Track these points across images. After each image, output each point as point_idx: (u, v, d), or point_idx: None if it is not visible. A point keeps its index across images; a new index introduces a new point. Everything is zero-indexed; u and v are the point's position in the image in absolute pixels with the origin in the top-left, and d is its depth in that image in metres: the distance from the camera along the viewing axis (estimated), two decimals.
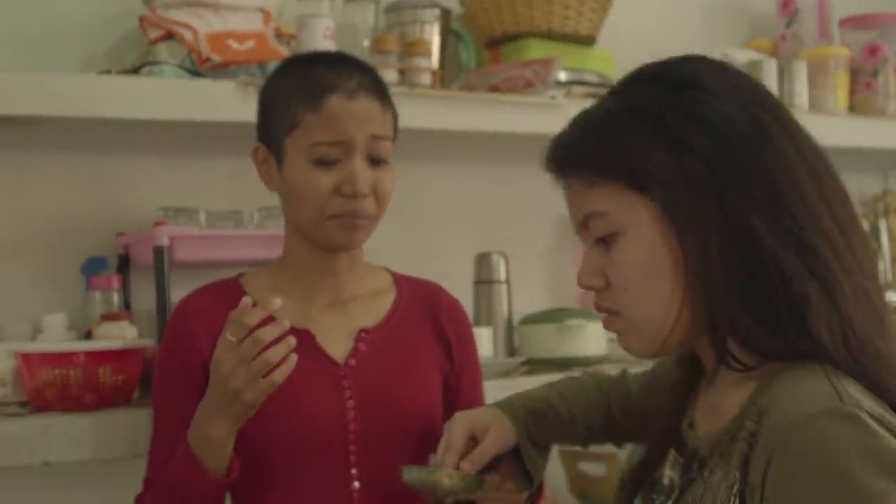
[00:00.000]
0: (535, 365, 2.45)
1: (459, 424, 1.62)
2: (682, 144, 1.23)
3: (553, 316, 2.52)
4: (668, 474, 1.34)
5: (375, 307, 1.80)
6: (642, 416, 1.63)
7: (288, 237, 1.78)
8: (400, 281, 1.86)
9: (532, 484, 1.66)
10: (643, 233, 1.25)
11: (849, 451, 1.09)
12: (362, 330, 1.77)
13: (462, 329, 1.87)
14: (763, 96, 1.29)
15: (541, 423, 1.66)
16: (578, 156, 1.31)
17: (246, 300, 1.52)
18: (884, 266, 3.33)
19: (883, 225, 3.36)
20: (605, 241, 1.29)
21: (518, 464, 1.65)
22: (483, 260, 2.57)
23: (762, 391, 1.21)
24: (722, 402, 1.28)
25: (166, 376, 1.74)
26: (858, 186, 3.44)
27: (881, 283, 1.25)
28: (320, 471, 1.68)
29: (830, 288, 1.20)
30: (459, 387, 1.83)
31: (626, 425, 1.69)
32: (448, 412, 1.77)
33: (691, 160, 1.22)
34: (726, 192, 1.21)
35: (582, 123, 1.33)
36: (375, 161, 1.69)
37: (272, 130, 1.72)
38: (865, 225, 3.33)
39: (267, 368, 1.51)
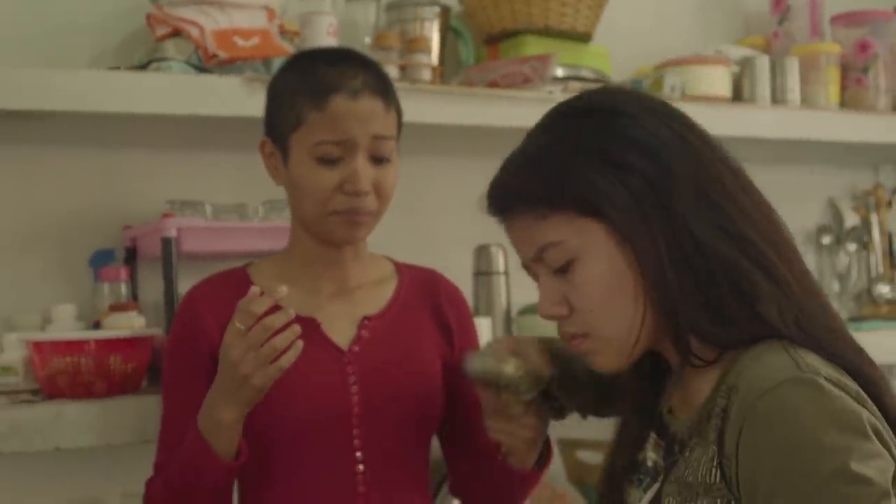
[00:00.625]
0: None
1: (506, 340, 1.69)
2: (622, 166, 1.32)
3: None
4: (652, 457, 1.42)
5: (378, 295, 1.84)
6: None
7: (294, 229, 1.82)
8: (401, 269, 1.90)
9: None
10: (599, 254, 1.33)
11: (810, 414, 1.19)
12: (365, 317, 1.80)
13: (462, 315, 1.91)
14: (675, 112, 1.40)
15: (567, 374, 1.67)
16: (527, 192, 1.37)
17: (254, 289, 1.56)
18: (875, 259, 3.36)
19: (874, 219, 3.37)
20: (563, 270, 1.36)
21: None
22: (482, 252, 2.59)
23: (730, 371, 1.29)
24: (693, 389, 1.36)
25: (175, 363, 1.78)
26: (850, 181, 3.48)
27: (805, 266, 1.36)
28: (325, 454, 1.72)
29: (772, 273, 1.30)
30: (459, 371, 1.83)
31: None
32: (448, 397, 1.82)
33: (633, 179, 1.32)
34: (666, 203, 1.31)
35: (518, 163, 1.41)
36: (378, 159, 1.73)
37: (278, 126, 1.75)
38: (856, 219, 3.37)
39: (275, 354, 1.55)
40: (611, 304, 1.34)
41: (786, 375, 1.22)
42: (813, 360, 1.25)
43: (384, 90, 1.75)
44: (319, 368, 1.73)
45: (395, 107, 1.77)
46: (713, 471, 1.26)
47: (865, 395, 1.24)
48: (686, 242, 1.30)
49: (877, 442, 1.20)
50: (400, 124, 1.80)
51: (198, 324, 1.75)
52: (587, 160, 1.33)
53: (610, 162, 1.32)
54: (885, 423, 1.24)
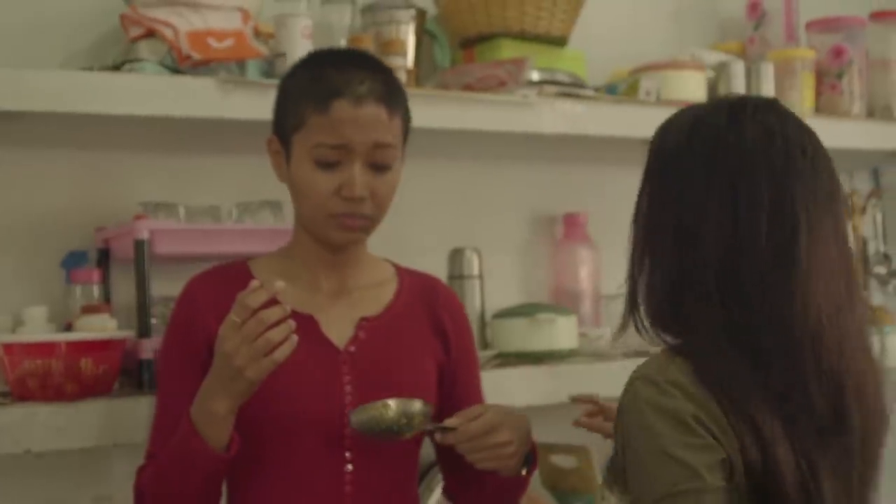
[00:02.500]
0: (507, 358, 2.50)
1: None
2: None
3: (525, 310, 2.56)
4: None
5: (377, 297, 1.86)
6: None
7: (295, 227, 1.84)
8: (402, 273, 1.92)
9: None
10: None
11: (645, 401, 1.39)
12: (363, 318, 1.82)
13: (459, 321, 1.93)
14: None
15: None
16: None
17: (254, 282, 1.58)
18: None
19: (848, 224, 3.37)
20: None
21: None
22: (457, 255, 2.61)
23: None
24: None
25: (172, 353, 1.79)
26: None
27: None
28: (315, 451, 1.74)
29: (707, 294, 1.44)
30: (456, 376, 1.88)
31: None
32: (444, 401, 1.84)
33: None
34: None
35: None
36: (377, 167, 1.74)
37: (284, 125, 1.77)
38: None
39: (269, 347, 1.56)
40: None
41: (641, 373, 1.43)
42: (678, 369, 1.40)
43: (390, 98, 1.75)
44: (314, 366, 1.75)
45: (401, 114, 1.78)
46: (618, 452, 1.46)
47: (705, 397, 1.39)
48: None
49: (702, 434, 1.36)
50: (407, 131, 1.81)
51: (195, 314, 1.76)
52: None
53: None
54: (734, 433, 1.38)
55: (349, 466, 1.75)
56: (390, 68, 1.83)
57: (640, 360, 2.47)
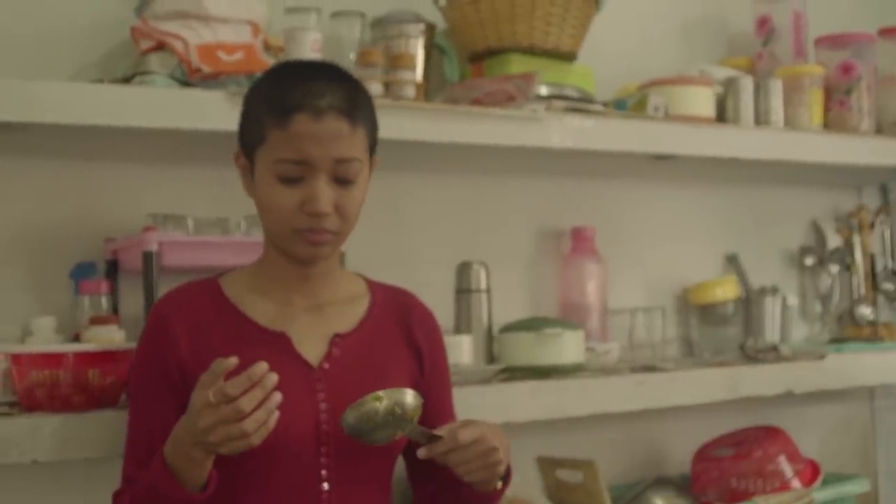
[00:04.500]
0: (514, 372, 2.49)
1: None
2: None
3: (531, 324, 2.55)
4: None
5: (350, 313, 1.84)
6: None
7: (266, 242, 1.81)
8: (374, 288, 1.89)
9: None
10: None
11: None
12: (337, 335, 1.80)
13: (433, 337, 1.90)
14: None
15: None
16: None
17: (228, 362, 1.54)
18: (857, 281, 3.36)
19: (857, 240, 3.39)
20: None
21: None
22: (464, 269, 2.60)
23: None
24: None
25: (143, 375, 1.77)
26: (833, 202, 3.49)
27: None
28: (291, 472, 1.71)
29: None
30: (429, 394, 1.82)
31: None
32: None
33: None
34: None
35: None
36: (341, 181, 1.71)
37: (247, 140, 1.75)
38: (839, 240, 3.37)
39: (244, 433, 1.54)
40: None
41: None
42: None
43: (352, 110, 1.71)
44: (288, 385, 1.69)
45: (365, 126, 1.74)
46: None
47: None
48: None
49: None
50: (373, 143, 1.78)
51: (167, 336, 1.74)
52: None
53: None
54: None
55: (325, 486, 1.73)
56: (357, 79, 1.78)
57: (648, 376, 2.55)
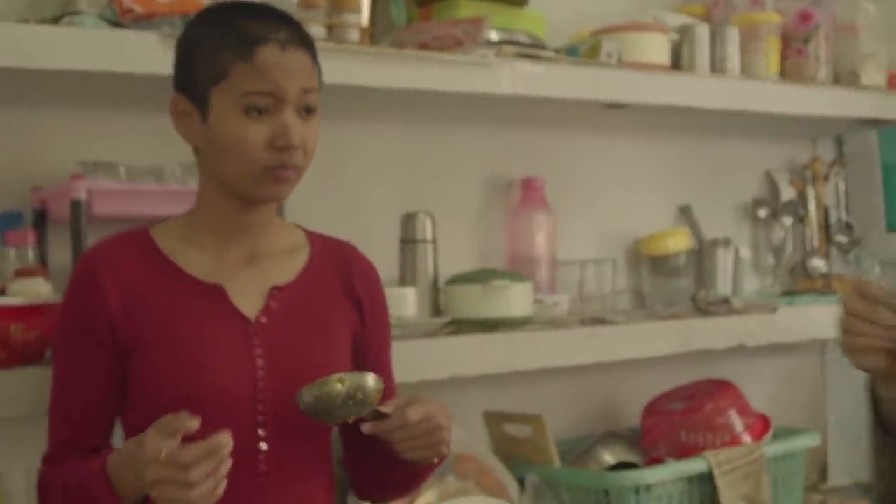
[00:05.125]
0: (460, 325, 2.46)
1: None
2: None
3: (479, 276, 2.52)
4: None
5: (288, 265, 1.79)
6: None
7: (204, 190, 1.76)
8: (313, 239, 1.85)
9: None
10: None
11: None
12: (275, 287, 1.75)
13: (374, 290, 1.87)
14: None
15: None
16: None
17: (191, 424, 1.48)
18: (811, 233, 3.36)
19: (811, 192, 3.38)
20: None
21: None
22: (409, 219, 2.56)
23: None
24: None
25: (69, 328, 1.71)
26: (787, 153, 3.49)
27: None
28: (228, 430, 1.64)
29: None
30: (368, 349, 1.82)
31: None
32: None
33: None
34: None
35: None
36: (305, 111, 1.68)
37: (195, 81, 1.69)
38: (793, 192, 3.36)
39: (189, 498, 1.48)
40: None
41: None
42: None
43: (309, 44, 1.72)
44: (224, 340, 1.68)
45: (318, 63, 1.74)
46: None
47: None
48: None
49: None
50: (321, 82, 1.75)
51: (95, 289, 1.68)
52: None
53: None
54: None
55: (263, 445, 1.68)
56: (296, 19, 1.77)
57: (598, 328, 2.54)
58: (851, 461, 3.33)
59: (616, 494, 2.48)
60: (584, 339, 2.56)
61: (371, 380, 1.63)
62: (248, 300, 1.73)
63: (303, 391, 1.62)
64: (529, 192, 2.87)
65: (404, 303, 2.39)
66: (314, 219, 1.97)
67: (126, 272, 1.65)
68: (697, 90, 2.81)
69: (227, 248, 1.75)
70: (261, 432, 1.68)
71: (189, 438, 1.62)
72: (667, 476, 2.53)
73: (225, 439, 1.49)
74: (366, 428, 1.66)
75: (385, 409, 1.66)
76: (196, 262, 1.71)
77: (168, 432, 1.48)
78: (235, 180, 1.69)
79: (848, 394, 3.34)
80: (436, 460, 1.74)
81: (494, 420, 2.69)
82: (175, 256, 1.73)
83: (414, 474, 1.80)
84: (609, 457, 2.71)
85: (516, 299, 2.51)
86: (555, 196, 2.88)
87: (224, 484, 1.50)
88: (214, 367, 1.66)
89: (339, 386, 1.62)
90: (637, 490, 2.48)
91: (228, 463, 1.50)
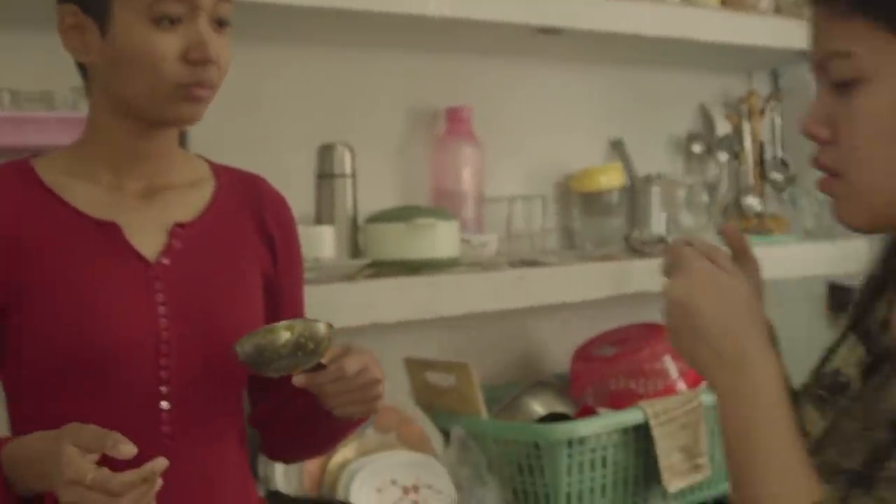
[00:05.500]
0: (382, 267, 2.36)
1: None
2: None
3: (402, 214, 2.41)
4: (849, 373, 1.28)
5: (192, 199, 1.65)
6: None
7: (97, 116, 1.59)
8: (219, 171, 1.70)
9: None
10: (892, 84, 1.15)
11: None
12: (177, 224, 1.60)
13: (287, 227, 1.74)
14: None
15: None
16: None
17: (128, 450, 1.35)
18: (746, 169, 3.28)
19: (746, 128, 3.32)
20: (844, 88, 1.19)
21: None
22: (326, 152, 2.45)
23: None
24: None
25: None
26: (723, 86, 3.43)
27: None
28: (123, 387, 1.52)
29: None
30: (281, 290, 1.70)
31: None
32: (268, 317, 1.65)
33: None
34: None
35: None
36: (217, 24, 1.54)
37: None
38: (728, 127, 3.29)
39: None
40: (881, 149, 1.17)
41: None
42: None
43: None
44: (121, 283, 1.53)
45: None
46: None
47: None
48: None
49: None
50: None
51: None
52: None
53: None
54: None
55: (164, 404, 1.54)
56: None
57: (528, 271, 2.43)
58: None
59: (547, 448, 2.38)
60: (514, 283, 2.47)
61: (322, 327, 1.51)
62: (148, 239, 1.58)
63: (243, 339, 1.49)
64: (455, 122, 2.76)
65: (321, 243, 2.29)
66: (221, 151, 1.83)
67: (5, 209, 1.51)
68: (636, 16, 2.72)
69: (123, 181, 1.59)
70: (163, 389, 1.54)
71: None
72: (600, 428, 2.44)
73: (159, 465, 1.35)
74: (298, 380, 1.53)
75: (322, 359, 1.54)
76: (86, 196, 1.56)
77: (91, 447, 1.35)
78: (142, 101, 1.53)
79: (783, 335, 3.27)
80: (364, 417, 1.64)
81: (416, 368, 2.60)
82: (61, 190, 1.57)
83: (335, 431, 1.69)
84: (538, 407, 2.62)
85: (442, 239, 2.41)
86: (481, 128, 2.78)
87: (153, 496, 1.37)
88: (108, 314, 1.51)
89: (287, 334, 1.49)
90: (570, 443, 2.38)
91: (159, 484, 1.36)
